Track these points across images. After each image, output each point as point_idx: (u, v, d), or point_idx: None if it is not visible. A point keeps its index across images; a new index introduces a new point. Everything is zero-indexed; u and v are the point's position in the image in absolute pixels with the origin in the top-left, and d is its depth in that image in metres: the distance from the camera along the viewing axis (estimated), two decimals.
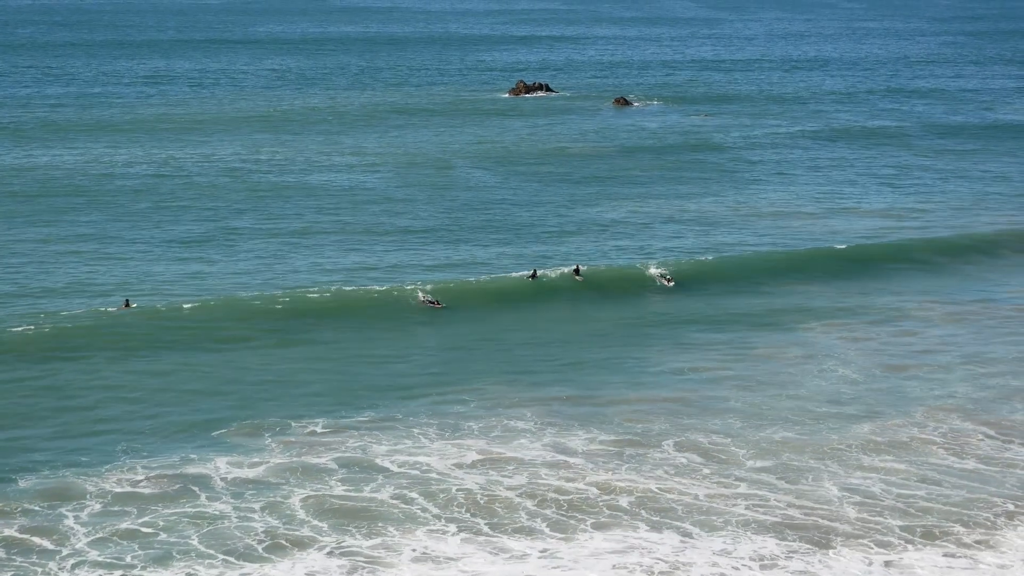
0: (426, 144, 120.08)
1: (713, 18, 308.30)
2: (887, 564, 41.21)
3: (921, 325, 67.67)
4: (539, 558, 41.33)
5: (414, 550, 41.74)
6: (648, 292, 71.99)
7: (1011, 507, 45.30)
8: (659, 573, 40.39)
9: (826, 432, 51.97)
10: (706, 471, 48.05)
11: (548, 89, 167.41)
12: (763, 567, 40.78)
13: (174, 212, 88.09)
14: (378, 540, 42.39)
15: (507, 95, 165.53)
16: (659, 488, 46.29)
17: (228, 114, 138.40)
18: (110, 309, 64.53)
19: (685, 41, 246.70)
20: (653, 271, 74.05)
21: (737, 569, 40.70)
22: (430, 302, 67.65)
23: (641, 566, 40.78)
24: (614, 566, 40.70)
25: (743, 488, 46.48)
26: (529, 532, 43.02)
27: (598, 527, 43.31)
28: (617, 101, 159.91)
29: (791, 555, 41.53)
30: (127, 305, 65.07)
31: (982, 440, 51.42)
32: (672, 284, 72.73)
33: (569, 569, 40.54)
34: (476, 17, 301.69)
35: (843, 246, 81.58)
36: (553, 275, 72.67)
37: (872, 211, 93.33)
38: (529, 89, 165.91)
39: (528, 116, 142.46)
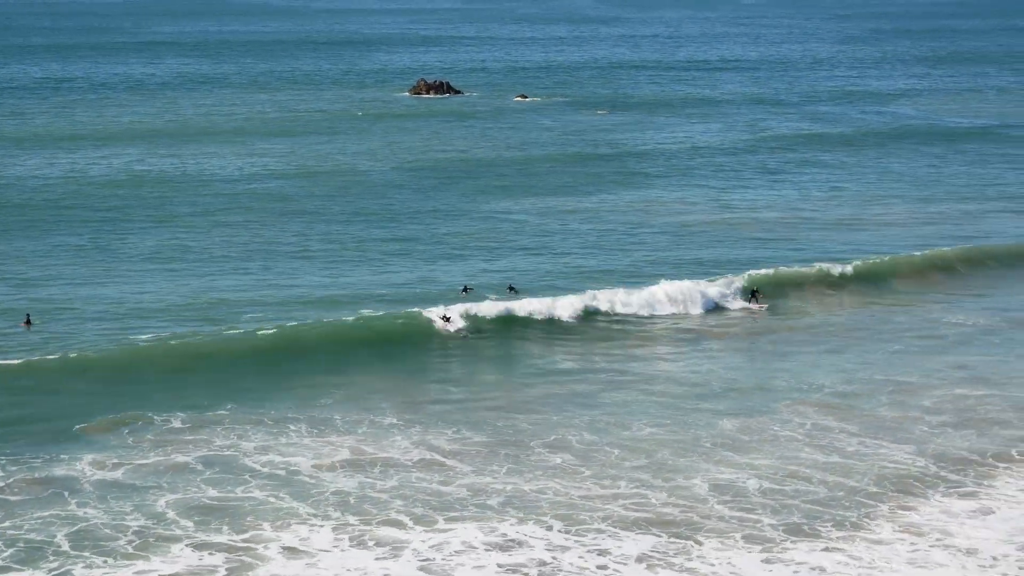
0: (325, 147, 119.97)
1: (616, 17, 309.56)
2: (765, 561, 41.22)
3: (791, 321, 68.60)
4: (412, 557, 41.21)
5: (285, 546, 41.61)
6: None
7: (879, 502, 45.64)
8: (542, 573, 40.23)
9: (695, 429, 52.29)
10: (578, 468, 48.15)
11: (450, 88, 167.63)
12: (648, 567, 40.65)
13: (69, 221, 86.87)
14: (248, 535, 42.24)
15: (408, 94, 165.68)
16: (532, 488, 46.29)
17: (126, 118, 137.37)
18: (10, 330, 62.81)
19: (588, 39, 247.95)
20: (737, 289, 71.45)
21: (624, 565, 40.64)
22: (444, 318, 64.69)
23: (523, 566, 40.62)
24: (499, 564, 40.60)
25: (617, 485, 46.56)
26: (402, 530, 42.94)
27: (473, 527, 43.19)
28: (519, 98, 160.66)
29: (672, 553, 41.49)
30: (28, 323, 63.28)
31: (845, 435, 51.86)
32: (763, 306, 70.21)
33: (449, 570, 40.44)
34: (377, 16, 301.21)
35: (724, 246, 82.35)
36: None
37: (765, 216, 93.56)
38: (430, 88, 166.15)
39: (428, 116, 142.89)
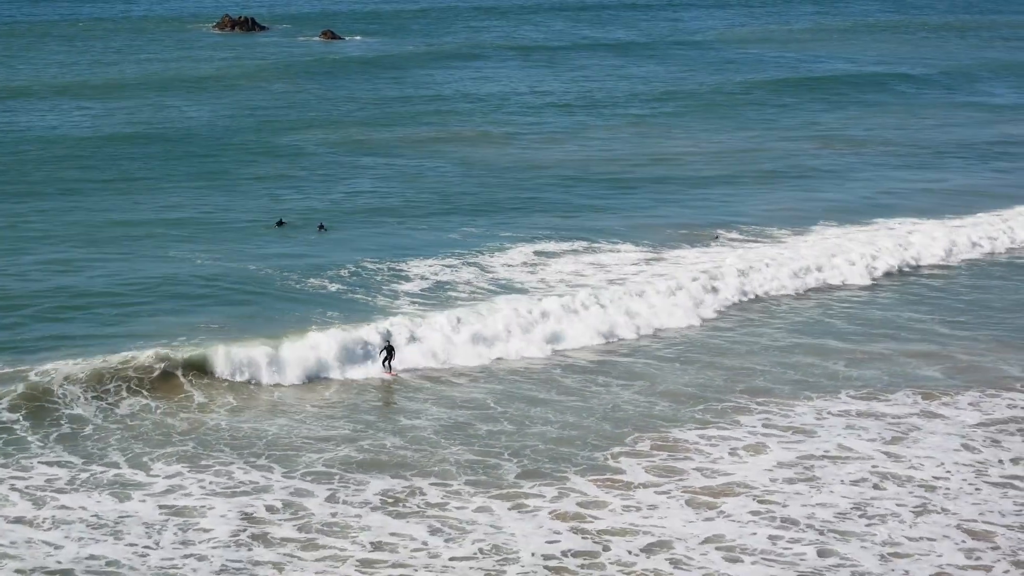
0: (126, 88, 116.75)
1: None
2: (513, 508, 40.26)
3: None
4: (149, 500, 40.31)
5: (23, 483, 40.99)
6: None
7: (615, 443, 45.36)
8: (276, 516, 39.48)
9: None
10: (297, 406, 48.12)
11: (255, 24, 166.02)
12: (398, 515, 39.61)
13: None
14: None
15: (213, 29, 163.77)
16: (254, 428, 45.92)
17: None
18: None
19: None
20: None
21: (365, 511, 39.92)
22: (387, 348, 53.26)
23: (254, 507, 39.87)
24: (242, 513, 39.54)
25: (338, 425, 46.37)
26: (136, 469, 42.26)
27: (202, 467, 42.64)
28: (324, 35, 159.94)
29: (412, 495, 40.95)
30: None
31: (565, 373, 52.24)
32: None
33: (190, 513, 39.72)
34: None
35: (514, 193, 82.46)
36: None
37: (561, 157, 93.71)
38: (235, 24, 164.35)
39: (230, 51, 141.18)
